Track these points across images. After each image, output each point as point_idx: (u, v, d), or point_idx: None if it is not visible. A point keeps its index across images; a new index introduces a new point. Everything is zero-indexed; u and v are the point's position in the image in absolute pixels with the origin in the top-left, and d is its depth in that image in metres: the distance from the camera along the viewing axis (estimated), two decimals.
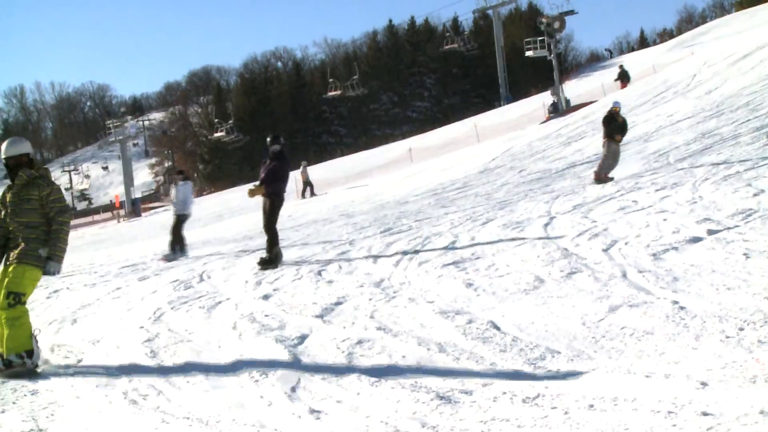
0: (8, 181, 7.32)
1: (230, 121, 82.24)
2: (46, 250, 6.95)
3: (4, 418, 5.60)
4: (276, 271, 11.20)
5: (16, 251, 6.94)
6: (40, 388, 6.39)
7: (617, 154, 16.96)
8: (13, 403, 5.99)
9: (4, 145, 7.23)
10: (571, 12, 68.54)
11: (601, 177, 16.27)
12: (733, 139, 17.51)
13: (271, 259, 11.76)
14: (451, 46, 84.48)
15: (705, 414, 3.89)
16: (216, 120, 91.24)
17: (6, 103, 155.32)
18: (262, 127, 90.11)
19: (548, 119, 42.13)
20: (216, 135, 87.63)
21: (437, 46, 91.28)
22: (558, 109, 44.39)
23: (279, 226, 12.28)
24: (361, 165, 50.20)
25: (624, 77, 44.57)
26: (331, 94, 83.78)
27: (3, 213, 7.21)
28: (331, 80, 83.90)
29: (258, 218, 14.26)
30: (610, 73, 71.27)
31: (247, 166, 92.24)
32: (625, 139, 23.96)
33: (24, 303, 6.90)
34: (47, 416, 5.55)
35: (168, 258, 15.51)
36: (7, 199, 7.15)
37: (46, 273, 7.00)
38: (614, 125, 17.11)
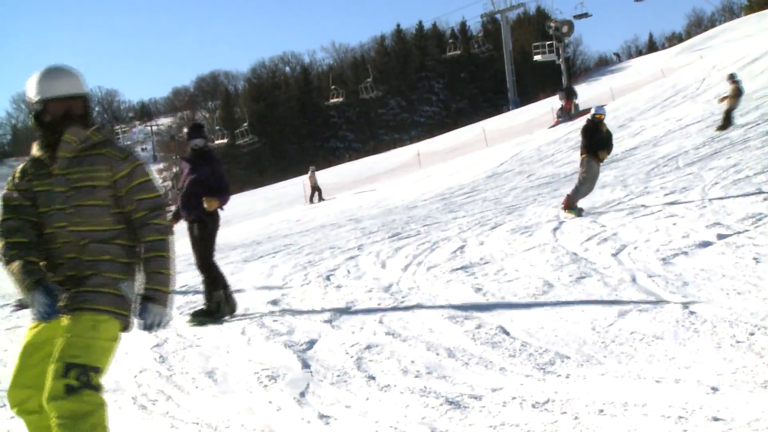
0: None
1: (244, 124, 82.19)
2: (132, 284, 3.94)
3: (13, 423, 5.62)
4: (285, 276, 11.20)
5: (76, 290, 3.79)
6: None
7: (596, 177, 13.54)
8: None
9: (44, 76, 3.92)
10: (586, 15, 68.69)
11: (574, 205, 12.77)
12: (743, 143, 17.46)
13: (211, 309, 8.43)
14: (454, 52, 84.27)
15: (716, 419, 3.88)
16: (217, 128, 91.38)
17: (15, 109, 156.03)
18: (271, 132, 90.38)
19: (557, 123, 42.05)
20: (217, 142, 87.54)
21: (445, 50, 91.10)
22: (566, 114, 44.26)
23: (286, 231, 12.16)
24: (369, 170, 50.23)
25: (569, 94, 43.20)
26: (333, 101, 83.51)
27: (25, 215, 3.89)
28: (333, 87, 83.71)
29: (259, 225, 13.77)
30: (620, 78, 71.27)
31: (254, 171, 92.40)
32: (633, 143, 23.98)
33: (99, 387, 3.76)
34: None
35: (21, 304, 11.42)
36: (44, 187, 3.89)
37: (143, 328, 3.91)
38: (597, 138, 13.43)
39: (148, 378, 6.51)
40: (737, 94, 21.44)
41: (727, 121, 21.04)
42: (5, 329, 10.24)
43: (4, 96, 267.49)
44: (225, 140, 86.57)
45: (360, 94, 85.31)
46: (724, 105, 21.43)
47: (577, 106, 45.81)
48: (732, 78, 22.02)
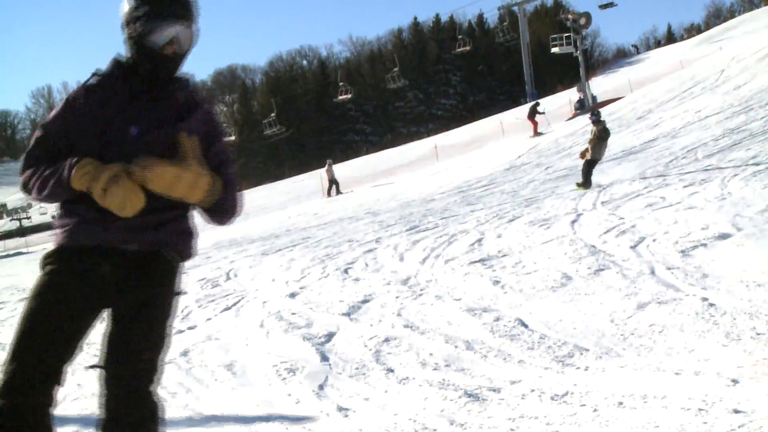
0: None
1: (272, 114, 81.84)
2: None
3: None
4: (303, 269, 11.22)
5: None
6: (71, 385, 6.44)
7: None
8: None
9: None
10: (612, 4, 68.29)
11: None
12: (763, 134, 17.34)
13: None
14: (463, 48, 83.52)
15: (736, 411, 3.86)
16: (225, 124, 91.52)
17: (34, 104, 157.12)
18: (288, 126, 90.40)
19: (575, 116, 41.91)
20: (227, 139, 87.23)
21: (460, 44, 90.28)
22: (584, 106, 44.11)
23: (304, 224, 12.08)
24: (387, 163, 50.20)
25: (532, 111, 40.78)
26: (341, 98, 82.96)
27: None
28: (341, 84, 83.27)
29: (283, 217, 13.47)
30: (638, 69, 70.89)
31: (272, 164, 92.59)
32: (651, 135, 23.86)
33: None
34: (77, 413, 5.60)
35: None
36: None
37: None
38: None
39: (167, 370, 6.54)
40: (603, 136, 17.10)
41: (587, 178, 16.31)
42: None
43: (24, 91, 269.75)
44: (233, 137, 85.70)
45: (387, 84, 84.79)
46: (587, 156, 16.82)
47: (595, 98, 45.61)
48: (595, 117, 17.70)
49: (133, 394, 2.93)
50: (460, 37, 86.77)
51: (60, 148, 3.00)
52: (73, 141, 2.99)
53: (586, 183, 15.99)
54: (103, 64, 3.16)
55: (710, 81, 31.21)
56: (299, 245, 15.03)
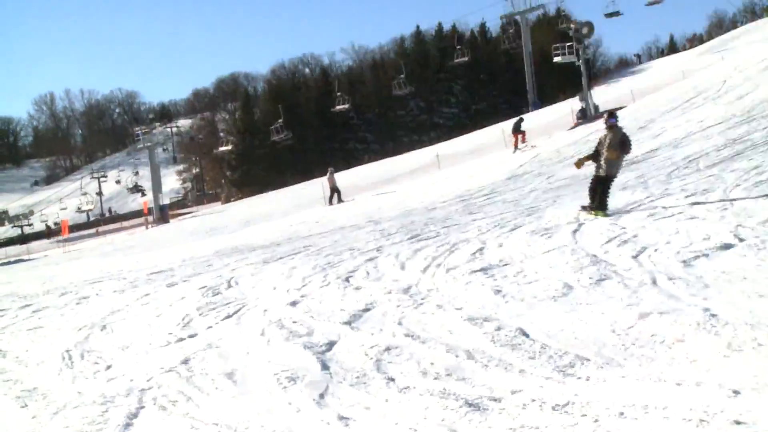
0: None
1: (279, 121, 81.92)
2: None
3: (36, 423, 5.66)
4: (304, 277, 11.22)
5: None
6: (71, 393, 6.44)
7: None
8: (53, 412, 6.03)
9: None
10: (617, 14, 68.54)
11: None
12: (765, 144, 17.32)
13: None
14: (461, 59, 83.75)
15: (738, 423, 3.85)
16: (221, 134, 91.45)
17: (36, 110, 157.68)
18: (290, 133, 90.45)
19: (576, 125, 41.90)
20: (221, 149, 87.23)
21: (462, 53, 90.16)
22: (586, 115, 44.10)
23: (306, 232, 12.07)
24: (389, 171, 50.16)
25: (517, 127, 39.26)
26: (338, 107, 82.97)
27: None
28: (338, 93, 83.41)
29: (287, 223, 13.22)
30: (640, 79, 70.93)
31: (274, 172, 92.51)
32: (653, 145, 23.86)
33: None
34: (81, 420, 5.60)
35: None
36: None
37: None
38: None
39: (168, 379, 6.54)
40: (626, 150, 12.50)
41: (603, 200, 12.55)
42: (27, 329, 10.31)
43: (27, 98, 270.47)
44: (229, 147, 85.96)
45: (393, 90, 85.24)
46: (600, 172, 12.72)
47: (597, 107, 45.62)
48: (614, 120, 12.59)
49: None
50: (459, 47, 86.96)
51: None
52: None
53: (602, 206, 12.53)
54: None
55: (712, 91, 31.20)
56: (300, 253, 15.01)
